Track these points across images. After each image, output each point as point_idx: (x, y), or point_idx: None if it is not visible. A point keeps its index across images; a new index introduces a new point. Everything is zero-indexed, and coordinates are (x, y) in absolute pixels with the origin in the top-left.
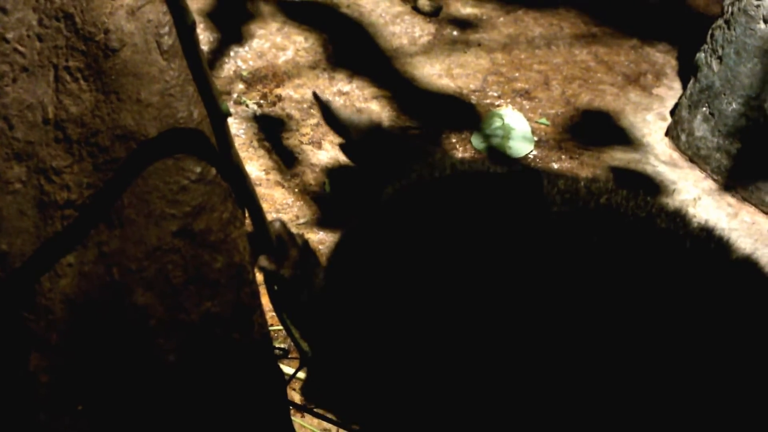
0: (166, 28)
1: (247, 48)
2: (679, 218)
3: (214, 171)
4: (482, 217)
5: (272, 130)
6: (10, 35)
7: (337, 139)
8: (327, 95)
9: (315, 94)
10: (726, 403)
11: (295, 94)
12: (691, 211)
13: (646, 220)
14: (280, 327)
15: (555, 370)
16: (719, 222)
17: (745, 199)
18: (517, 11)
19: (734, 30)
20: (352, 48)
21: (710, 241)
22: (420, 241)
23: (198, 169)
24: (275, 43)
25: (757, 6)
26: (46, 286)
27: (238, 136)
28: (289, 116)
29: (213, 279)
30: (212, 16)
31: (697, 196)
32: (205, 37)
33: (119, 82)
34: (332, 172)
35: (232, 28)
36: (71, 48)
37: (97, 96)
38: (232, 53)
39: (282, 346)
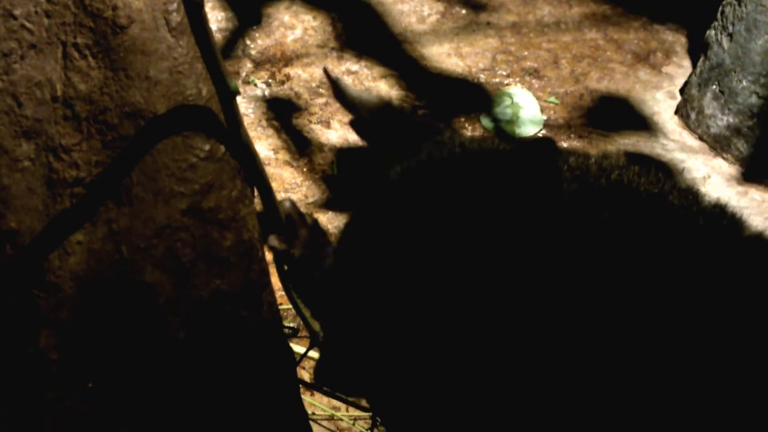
0: (174, 5)
1: (255, 27)
2: (691, 195)
3: (222, 149)
4: (493, 193)
5: (281, 110)
6: (17, 12)
7: (346, 118)
8: (336, 74)
9: (325, 70)
10: (743, 380)
11: (303, 74)
12: (701, 189)
13: (659, 196)
14: (290, 306)
15: (568, 346)
16: (729, 200)
17: (755, 177)
18: None
19: (745, 6)
20: (361, 27)
21: (723, 218)
22: (430, 219)
23: (207, 147)
24: (284, 23)
25: None
26: (56, 263)
27: (246, 115)
28: (298, 96)
29: (222, 257)
30: None
31: (707, 174)
32: (213, 16)
33: (128, 60)
34: (341, 152)
35: (241, 7)
36: (79, 25)
37: (106, 73)
38: (240, 32)
39: (292, 325)
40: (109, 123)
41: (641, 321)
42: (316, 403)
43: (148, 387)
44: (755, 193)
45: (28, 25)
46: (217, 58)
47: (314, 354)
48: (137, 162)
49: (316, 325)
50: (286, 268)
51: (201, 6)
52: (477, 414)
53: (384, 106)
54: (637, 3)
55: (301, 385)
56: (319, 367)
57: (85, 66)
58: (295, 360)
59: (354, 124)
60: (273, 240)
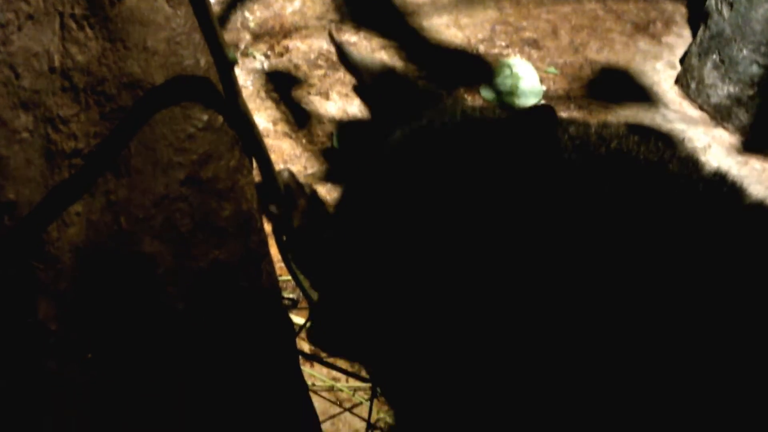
0: None
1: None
2: (691, 164)
3: (221, 119)
4: (492, 159)
5: (280, 82)
6: None
7: (345, 90)
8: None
9: (330, 35)
10: (745, 350)
11: (302, 46)
12: (701, 158)
13: (659, 164)
14: (289, 277)
15: (568, 310)
16: (730, 169)
17: (756, 147)
18: None
19: None
20: None
21: (723, 186)
22: (427, 185)
23: (205, 117)
24: None
25: None
26: (54, 235)
27: (245, 87)
28: (297, 68)
29: (221, 227)
30: None
31: (708, 144)
32: None
33: (125, 30)
34: (340, 124)
35: None
36: None
37: (104, 44)
38: (239, 4)
39: (291, 296)
40: (107, 94)
41: (641, 289)
42: (316, 374)
43: (147, 358)
44: (756, 163)
45: None
46: (215, 29)
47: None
48: (136, 133)
49: (316, 296)
50: (284, 238)
51: None
52: (475, 382)
53: (387, 71)
54: None
55: (300, 356)
56: (315, 332)
57: (83, 37)
58: (295, 331)
59: (357, 89)
60: (272, 210)
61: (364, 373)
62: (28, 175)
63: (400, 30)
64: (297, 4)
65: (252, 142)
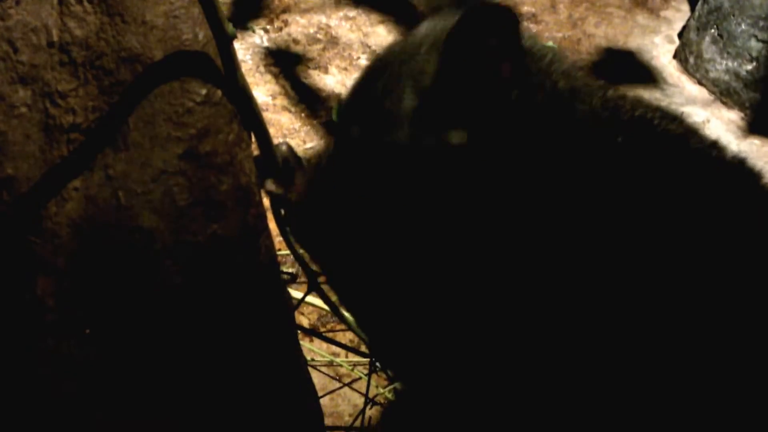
0: None
1: None
2: (691, 136)
3: (219, 93)
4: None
5: (279, 56)
6: None
7: (344, 63)
8: (334, 20)
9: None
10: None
11: (301, 20)
12: (700, 133)
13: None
14: (288, 252)
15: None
16: (729, 144)
17: (755, 122)
18: None
19: None
20: None
21: (721, 161)
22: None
23: (203, 91)
24: None
25: None
26: (53, 210)
27: (244, 61)
28: (296, 42)
29: (219, 201)
30: None
31: (706, 119)
32: None
33: (124, 4)
34: (339, 97)
35: None
36: None
37: (102, 18)
38: None
39: (290, 270)
40: (106, 68)
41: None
42: (315, 349)
43: (145, 334)
44: (755, 138)
45: None
46: (214, 2)
47: (313, 299)
48: (134, 107)
49: (314, 269)
50: (283, 213)
51: None
52: (474, 355)
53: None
54: None
55: (299, 331)
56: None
57: (81, 11)
58: (294, 305)
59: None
60: (270, 184)
61: (363, 348)
62: (26, 150)
63: (399, 3)
64: None
65: (251, 116)
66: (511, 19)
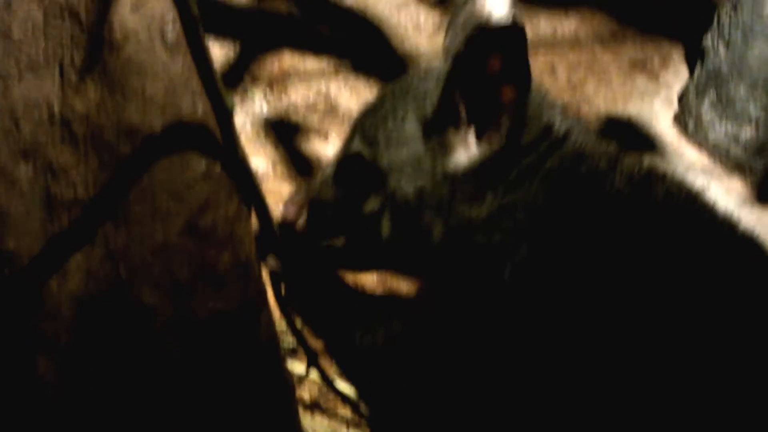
0: (170, 22)
1: (253, 41)
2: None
3: (219, 167)
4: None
5: (279, 124)
6: (15, 32)
7: (344, 131)
8: (334, 87)
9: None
10: None
11: (301, 87)
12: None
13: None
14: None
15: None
16: (728, 208)
17: (755, 186)
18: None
19: (741, 14)
20: (358, 37)
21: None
22: None
23: (203, 165)
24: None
25: None
26: (54, 285)
27: (244, 129)
28: (296, 109)
29: (219, 276)
30: None
31: (706, 184)
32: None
33: (124, 78)
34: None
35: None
36: (76, 44)
37: (103, 92)
38: (238, 46)
39: (291, 344)
40: (107, 142)
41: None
42: (317, 425)
43: (146, 410)
44: (755, 204)
45: (25, 45)
46: (214, 76)
47: (314, 375)
48: (134, 181)
49: (315, 345)
50: (283, 289)
51: (198, 22)
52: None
53: None
54: (634, 10)
55: (300, 406)
56: None
57: (82, 86)
58: (294, 380)
59: None
60: (270, 260)
61: (365, 424)
62: (27, 224)
63: (399, 68)
64: (295, 47)
65: (250, 191)
66: (518, 39)
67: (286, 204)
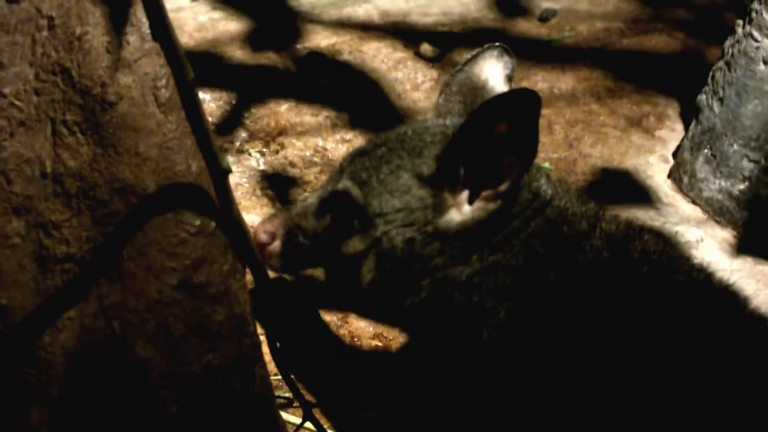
0: (164, 81)
1: (249, 96)
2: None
3: (213, 224)
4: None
5: (275, 179)
6: (7, 90)
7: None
8: (330, 142)
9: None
10: None
11: (298, 142)
12: (694, 252)
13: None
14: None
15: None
16: (722, 263)
17: (748, 241)
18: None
19: (735, 71)
20: (355, 94)
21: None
22: None
23: (197, 222)
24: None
25: (757, 48)
26: (47, 340)
27: (241, 185)
28: (293, 165)
29: (214, 331)
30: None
31: (700, 238)
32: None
33: (117, 136)
34: None
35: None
36: (68, 102)
37: (95, 149)
38: (234, 101)
39: (285, 395)
40: (99, 199)
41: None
42: None
43: None
44: (747, 257)
45: (17, 102)
46: (209, 135)
47: (309, 426)
48: (128, 238)
49: (309, 398)
50: (278, 345)
51: (193, 84)
52: None
53: None
54: (630, 68)
55: None
56: None
57: (74, 142)
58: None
59: None
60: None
61: None
62: (20, 280)
63: (396, 125)
64: (292, 101)
65: (245, 248)
66: (532, 110)
67: (260, 226)
